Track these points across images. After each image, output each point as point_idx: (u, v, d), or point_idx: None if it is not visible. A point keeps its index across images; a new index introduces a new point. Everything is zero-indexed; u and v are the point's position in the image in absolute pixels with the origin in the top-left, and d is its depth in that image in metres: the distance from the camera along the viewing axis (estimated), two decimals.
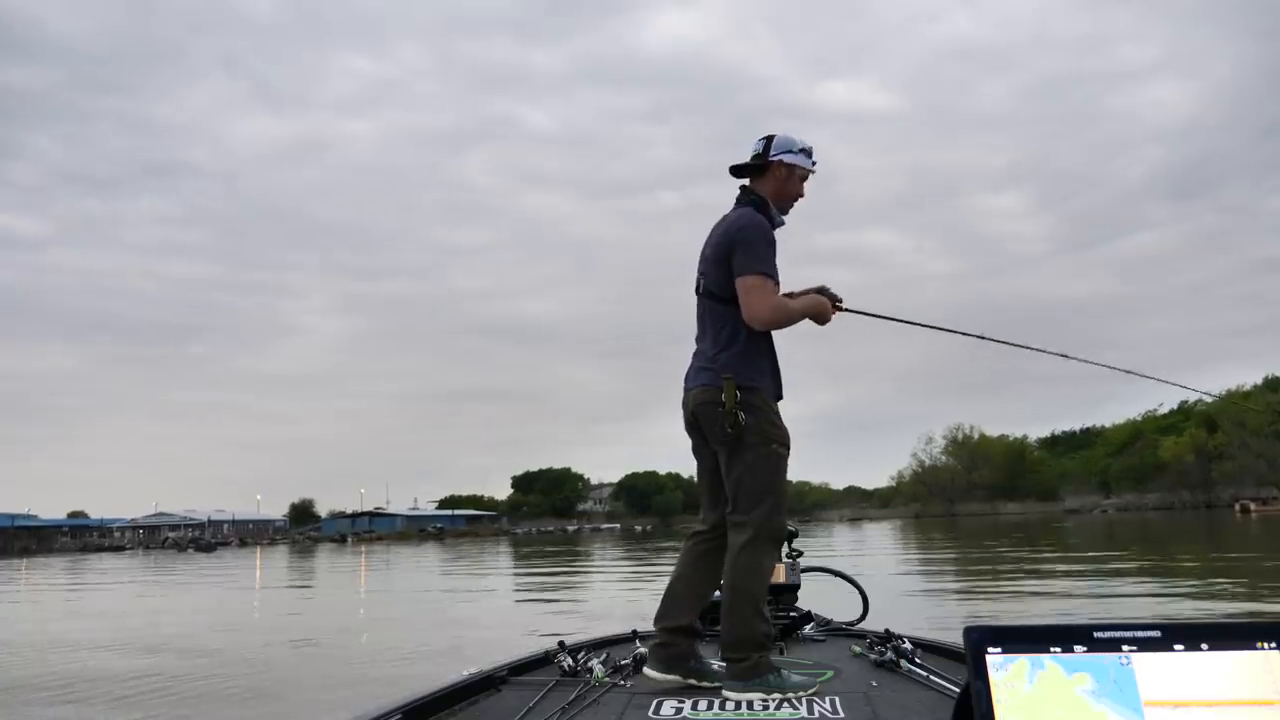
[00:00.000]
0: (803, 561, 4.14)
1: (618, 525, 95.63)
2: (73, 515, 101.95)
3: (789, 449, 2.86)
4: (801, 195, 3.03)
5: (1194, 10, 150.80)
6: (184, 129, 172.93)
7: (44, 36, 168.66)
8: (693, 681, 2.83)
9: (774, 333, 2.96)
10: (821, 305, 2.97)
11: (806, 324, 2.96)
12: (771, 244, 2.87)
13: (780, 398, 2.95)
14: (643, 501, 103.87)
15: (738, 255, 2.81)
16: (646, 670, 2.87)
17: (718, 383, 2.81)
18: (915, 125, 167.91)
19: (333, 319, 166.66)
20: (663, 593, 2.98)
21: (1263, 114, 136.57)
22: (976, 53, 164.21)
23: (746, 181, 3.02)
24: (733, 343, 2.85)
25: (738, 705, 2.61)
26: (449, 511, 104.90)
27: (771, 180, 2.96)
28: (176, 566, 35.85)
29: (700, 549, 2.98)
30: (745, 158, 3.02)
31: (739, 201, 3.00)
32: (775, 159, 2.95)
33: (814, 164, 3.02)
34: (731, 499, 2.86)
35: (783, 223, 2.99)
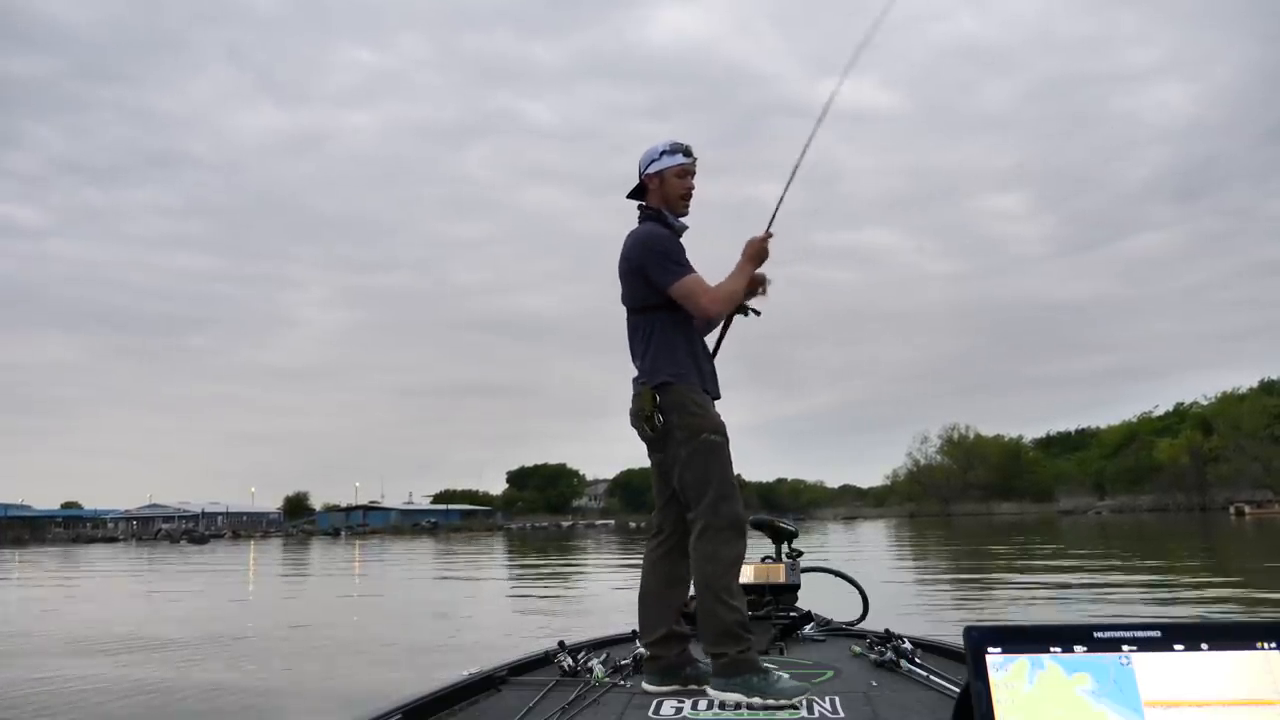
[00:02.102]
0: (803, 561, 4.14)
1: (612, 522, 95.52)
2: (66, 506, 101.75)
3: (724, 436, 2.86)
4: (688, 190, 3.04)
5: (1198, 13, 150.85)
6: (185, 120, 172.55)
7: (46, 25, 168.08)
8: (693, 687, 2.82)
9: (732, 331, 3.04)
10: (751, 258, 2.98)
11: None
12: (673, 245, 2.94)
13: (711, 395, 2.95)
14: (638, 499, 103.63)
15: (653, 272, 2.90)
16: (644, 685, 2.87)
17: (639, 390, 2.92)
18: (917, 124, 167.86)
19: (331, 311, 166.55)
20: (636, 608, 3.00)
21: (1265, 117, 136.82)
22: (980, 52, 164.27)
23: (643, 202, 3.08)
24: (648, 347, 2.93)
25: (738, 705, 2.59)
26: (443, 506, 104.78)
27: (652, 193, 3.04)
28: (166, 559, 35.64)
29: (656, 555, 3.01)
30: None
31: (639, 220, 3.07)
32: (643, 176, 3.04)
33: (688, 157, 3.02)
34: (682, 500, 2.89)
35: (685, 226, 3.05)
